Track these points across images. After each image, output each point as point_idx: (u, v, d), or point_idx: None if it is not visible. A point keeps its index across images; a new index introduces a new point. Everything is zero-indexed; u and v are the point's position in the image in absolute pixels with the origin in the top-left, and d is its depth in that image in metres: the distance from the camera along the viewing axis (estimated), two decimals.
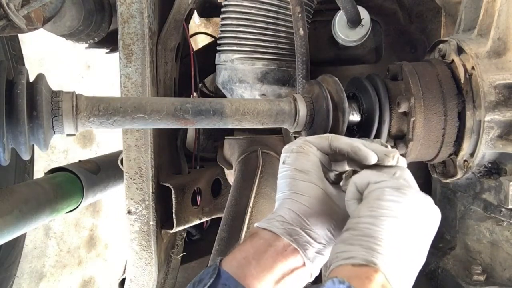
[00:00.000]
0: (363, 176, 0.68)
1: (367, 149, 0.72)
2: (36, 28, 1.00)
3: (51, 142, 0.83)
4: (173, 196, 1.21)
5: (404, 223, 0.61)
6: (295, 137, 1.35)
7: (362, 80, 1.03)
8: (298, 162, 0.72)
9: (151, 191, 1.15)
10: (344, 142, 0.74)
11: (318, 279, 0.72)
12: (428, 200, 0.65)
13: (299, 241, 0.66)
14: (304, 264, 0.66)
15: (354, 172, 0.77)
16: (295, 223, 0.67)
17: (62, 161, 2.86)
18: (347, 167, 0.77)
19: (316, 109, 0.91)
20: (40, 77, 0.80)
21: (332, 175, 0.78)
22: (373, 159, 0.71)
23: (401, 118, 1.01)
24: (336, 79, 0.94)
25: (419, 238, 0.63)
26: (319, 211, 0.68)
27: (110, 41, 1.44)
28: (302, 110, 0.91)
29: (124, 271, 1.29)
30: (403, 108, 0.99)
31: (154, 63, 1.15)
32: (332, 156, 0.76)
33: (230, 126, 0.89)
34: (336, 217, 0.69)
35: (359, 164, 0.73)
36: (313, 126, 0.93)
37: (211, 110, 0.85)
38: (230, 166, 1.43)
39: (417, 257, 0.63)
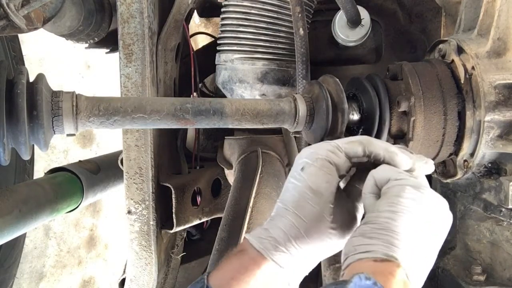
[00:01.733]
0: (383, 172, 0.68)
1: (403, 154, 0.70)
2: (36, 28, 1.00)
3: (51, 142, 0.83)
4: (173, 196, 1.21)
5: (421, 220, 0.62)
6: (295, 137, 1.36)
7: (361, 80, 1.03)
8: (315, 179, 0.67)
9: (151, 191, 1.15)
10: (379, 146, 0.71)
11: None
12: (444, 202, 0.66)
13: (289, 264, 0.66)
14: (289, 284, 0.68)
15: (359, 171, 0.76)
16: (287, 249, 0.66)
17: (62, 161, 2.86)
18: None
19: (316, 109, 0.92)
20: (40, 77, 0.80)
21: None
22: (407, 166, 0.70)
23: (401, 117, 1.01)
24: (337, 79, 0.94)
25: (433, 237, 0.64)
26: (314, 236, 0.67)
27: (110, 41, 1.44)
28: (302, 110, 0.91)
29: (124, 271, 1.29)
30: (403, 107, 0.99)
31: (154, 63, 1.15)
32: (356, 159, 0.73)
33: (230, 126, 0.89)
34: (328, 240, 0.69)
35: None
36: (313, 126, 0.93)
37: (211, 110, 0.85)
38: (230, 166, 1.43)
39: (431, 255, 0.63)
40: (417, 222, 0.61)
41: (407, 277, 0.58)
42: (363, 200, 0.69)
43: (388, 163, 0.70)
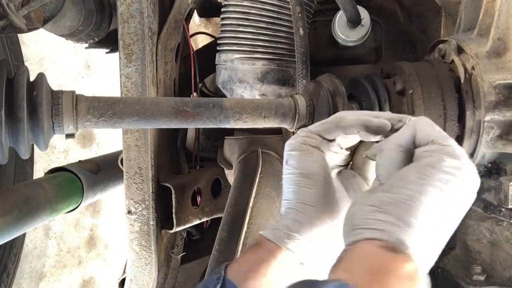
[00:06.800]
0: (427, 127, 0.58)
1: (378, 119, 0.65)
2: (36, 28, 1.00)
3: (51, 142, 0.83)
4: (173, 196, 1.21)
5: (450, 203, 0.53)
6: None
7: (360, 80, 1.03)
8: (303, 165, 0.67)
9: (151, 191, 1.15)
10: (351, 119, 0.66)
11: None
12: (477, 181, 0.57)
13: (305, 252, 0.66)
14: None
15: (362, 143, 0.72)
16: (301, 233, 0.66)
17: (62, 161, 2.86)
18: (356, 140, 0.71)
19: (316, 104, 0.92)
20: (40, 76, 0.80)
21: (339, 158, 0.73)
22: (388, 127, 0.64)
23: None
24: (334, 77, 0.95)
25: (456, 220, 0.55)
26: (324, 213, 0.67)
27: (110, 41, 1.44)
28: (302, 104, 0.91)
29: (124, 271, 1.29)
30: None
31: (154, 63, 1.15)
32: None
33: (231, 122, 0.89)
34: (337, 212, 0.68)
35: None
36: (316, 119, 0.92)
37: (211, 103, 0.86)
38: (230, 166, 1.43)
39: (446, 239, 0.55)
40: (446, 204, 0.53)
41: (415, 270, 0.50)
42: (387, 153, 0.59)
43: (365, 133, 0.66)
